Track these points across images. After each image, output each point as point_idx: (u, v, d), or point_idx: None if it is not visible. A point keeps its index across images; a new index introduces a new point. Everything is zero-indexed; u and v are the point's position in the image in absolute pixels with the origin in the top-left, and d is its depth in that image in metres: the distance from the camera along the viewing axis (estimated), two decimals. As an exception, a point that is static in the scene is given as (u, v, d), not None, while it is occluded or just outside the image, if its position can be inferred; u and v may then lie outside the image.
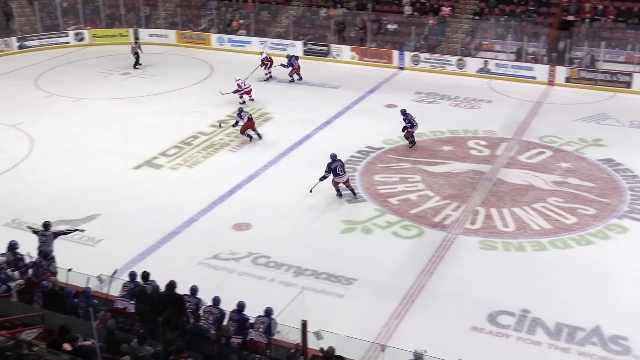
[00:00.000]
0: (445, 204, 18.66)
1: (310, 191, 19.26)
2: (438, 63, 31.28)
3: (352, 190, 19.27)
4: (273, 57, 30.52)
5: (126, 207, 18.65)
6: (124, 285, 13.05)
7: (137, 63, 32.26)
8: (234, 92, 26.75)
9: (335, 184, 19.17)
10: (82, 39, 36.53)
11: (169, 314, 12.01)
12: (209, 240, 16.97)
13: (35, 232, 14.89)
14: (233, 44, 35.27)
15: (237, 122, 23.24)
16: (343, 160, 19.31)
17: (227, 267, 15.79)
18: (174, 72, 31.48)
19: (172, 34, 36.59)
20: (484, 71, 30.38)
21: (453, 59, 31.01)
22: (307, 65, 31.94)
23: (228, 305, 12.16)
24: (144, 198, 19.23)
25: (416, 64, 31.55)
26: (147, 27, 37.22)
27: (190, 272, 15.03)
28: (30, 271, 13.84)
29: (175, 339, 10.90)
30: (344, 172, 19.05)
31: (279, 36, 34.88)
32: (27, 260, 14.08)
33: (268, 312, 11.96)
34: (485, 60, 30.53)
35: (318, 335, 11.07)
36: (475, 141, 23.00)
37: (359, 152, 22.00)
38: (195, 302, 12.40)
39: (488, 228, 17.47)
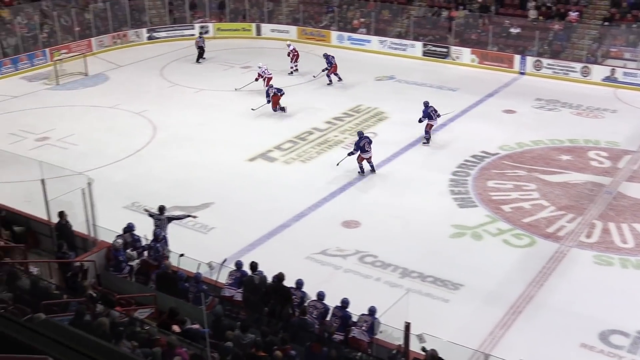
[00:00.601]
0: (560, 215, 18.07)
1: (338, 164, 20.52)
2: (561, 69, 30.30)
3: (372, 165, 20.43)
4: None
5: (239, 198, 19.09)
6: (231, 274, 13.35)
7: (200, 57, 33.19)
8: (256, 79, 27.83)
9: (360, 159, 20.19)
10: (206, 32, 37.65)
11: (275, 305, 12.21)
12: (317, 235, 17.13)
13: (150, 215, 15.50)
14: (352, 42, 35.42)
15: (269, 101, 25.46)
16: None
17: (334, 264, 15.89)
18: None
19: (293, 30, 37.15)
20: (610, 80, 29.18)
21: (578, 65, 29.95)
22: (426, 67, 31.72)
23: (332, 301, 12.22)
24: (256, 190, 19.63)
25: (538, 70, 30.68)
26: (269, 22, 37.96)
27: (297, 265, 15.22)
28: (146, 253, 14.41)
29: (279, 331, 11.07)
30: (370, 149, 20.13)
31: (399, 36, 34.74)
32: (144, 242, 14.66)
33: (372, 311, 11.94)
34: (613, 69, 29.30)
35: (421, 338, 10.97)
36: (596, 152, 22.13)
37: (473, 156, 21.62)
38: (300, 296, 12.54)
39: (605, 243, 16.78)
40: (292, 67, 30.77)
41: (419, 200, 18.92)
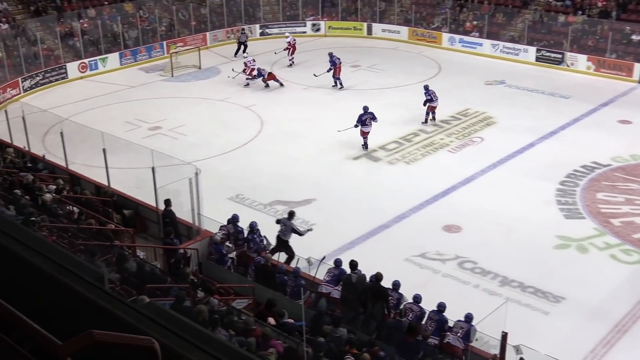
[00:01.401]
0: (674, 233, 17.24)
1: (339, 131, 22.31)
2: (685, 80, 28.87)
3: (366, 143, 22.15)
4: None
5: (341, 196, 19.18)
6: (329, 271, 13.44)
7: (238, 51, 34.01)
8: (243, 71, 29.18)
9: (363, 134, 21.88)
10: (318, 30, 38.03)
11: (371, 305, 12.22)
12: (417, 238, 17.01)
13: (278, 221, 15.54)
14: (464, 44, 34.91)
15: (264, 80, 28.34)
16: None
17: (433, 267, 15.74)
18: (403, 68, 31.78)
19: (404, 31, 36.97)
20: None
21: (703, 77, 28.47)
22: (538, 73, 30.90)
23: (429, 305, 12.12)
24: (359, 189, 19.67)
25: (659, 79, 29.35)
26: (380, 22, 37.94)
27: (395, 267, 15.16)
28: (246, 245, 14.71)
29: (374, 331, 11.07)
30: (371, 124, 21.90)
31: (512, 40, 33.99)
32: (246, 234, 14.96)
33: (468, 318, 11.76)
34: None
35: (518, 349, 10.73)
36: None
37: (583, 167, 20.91)
38: (397, 297, 12.50)
39: None
40: (290, 60, 32.00)
41: (523, 208, 18.47)
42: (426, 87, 24.68)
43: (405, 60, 33.39)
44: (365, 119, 21.84)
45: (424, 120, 24.60)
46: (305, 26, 38.30)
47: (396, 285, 12.66)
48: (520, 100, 27.30)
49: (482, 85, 29.12)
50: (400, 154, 22.11)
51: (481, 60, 32.96)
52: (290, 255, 14.99)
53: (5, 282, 3.65)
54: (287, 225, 15.24)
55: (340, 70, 28.80)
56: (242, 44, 34.37)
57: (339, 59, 28.78)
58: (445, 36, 35.64)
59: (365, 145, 22.11)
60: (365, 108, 22.06)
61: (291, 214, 15.63)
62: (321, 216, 17.91)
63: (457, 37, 35.29)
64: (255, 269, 13.61)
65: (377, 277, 12.53)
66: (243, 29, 36.08)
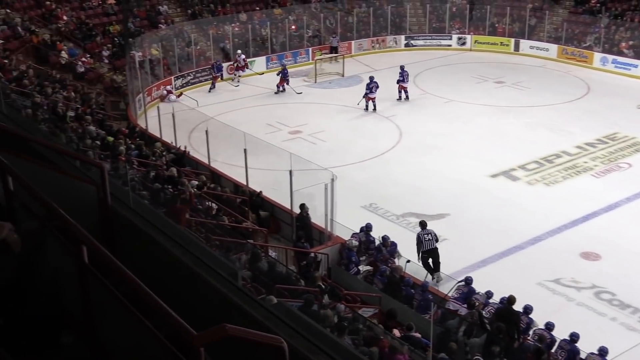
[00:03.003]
0: None
1: (358, 104, 26.63)
2: None
3: (374, 105, 27.01)
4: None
5: (475, 213, 18.79)
6: (458, 288, 13.21)
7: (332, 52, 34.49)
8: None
9: (367, 99, 26.85)
10: (464, 44, 37.53)
11: (501, 327, 11.89)
12: (552, 262, 16.39)
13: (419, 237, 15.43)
14: (617, 65, 33.32)
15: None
16: None
17: (567, 294, 15.11)
18: (549, 86, 30.76)
19: (553, 49, 35.78)
20: None
21: None
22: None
23: (559, 333, 11.65)
24: (494, 207, 19.21)
25: None
26: (529, 38, 36.92)
27: (527, 290, 14.65)
28: (376, 254, 14.71)
29: (501, 353, 10.77)
30: (376, 92, 26.72)
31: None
32: (377, 243, 14.97)
33: (603, 351, 11.22)
34: None
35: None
36: None
37: None
38: (527, 322, 12.11)
39: None
40: (236, 76, 31.74)
41: (671, 241, 17.39)
42: (402, 67, 28.57)
43: (553, 78, 32.30)
44: (372, 87, 26.65)
45: (398, 98, 28.35)
46: (450, 39, 37.89)
47: (527, 309, 12.27)
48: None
49: (634, 108, 27.70)
50: (540, 174, 21.41)
51: (635, 82, 31.37)
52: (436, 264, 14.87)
53: (148, 270, 3.82)
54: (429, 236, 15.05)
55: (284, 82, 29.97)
56: (334, 48, 34.62)
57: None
58: (597, 56, 34.16)
59: (374, 108, 26.93)
60: (372, 77, 27.16)
61: (423, 225, 15.48)
62: (453, 232, 17.61)
63: (610, 57, 33.73)
64: (383, 279, 13.58)
65: (510, 300, 12.18)
66: (335, 35, 36.11)
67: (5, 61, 24.70)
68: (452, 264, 15.10)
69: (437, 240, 15.18)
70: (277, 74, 30.49)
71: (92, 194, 4.45)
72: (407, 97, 28.44)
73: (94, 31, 31.57)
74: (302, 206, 15.50)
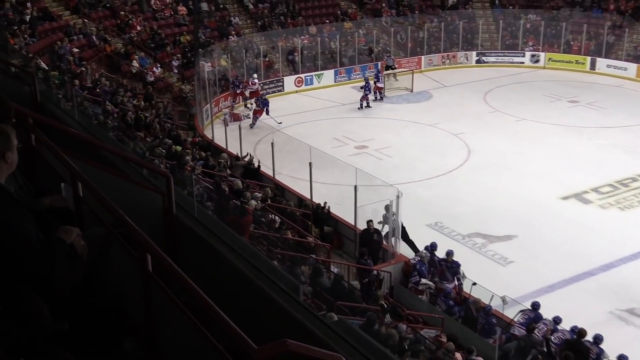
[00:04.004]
0: None
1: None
2: None
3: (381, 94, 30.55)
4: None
5: (545, 235, 18.39)
6: (524, 313, 12.95)
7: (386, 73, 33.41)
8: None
9: (378, 89, 30.22)
10: (537, 61, 36.95)
11: (569, 356, 11.59)
12: (625, 291, 15.89)
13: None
14: (700, 87, 32.32)
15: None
16: None
17: (640, 325, 14.65)
18: (626, 107, 29.93)
19: (632, 68, 34.85)
20: None
21: None
22: None
23: (632, 365, 11.29)
24: (564, 230, 18.76)
25: None
26: (606, 56, 36.09)
27: (597, 319, 14.25)
28: (440, 275, 14.55)
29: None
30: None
31: None
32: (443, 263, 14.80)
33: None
34: None
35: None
36: None
37: None
38: (597, 352, 11.77)
39: None
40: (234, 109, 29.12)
41: None
42: (376, 67, 31.68)
43: (630, 99, 31.43)
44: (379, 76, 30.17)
45: (374, 99, 30.32)
46: (523, 56, 37.36)
47: (598, 339, 11.93)
48: None
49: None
50: (615, 198, 20.83)
51: None
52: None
53: (209, 280, 3.86)
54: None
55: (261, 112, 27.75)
56: (389, 67, 34.23)
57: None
58: (681, 76, 33.16)
59: (376, 98, 30.06)
60: (367, 79, 30.20)
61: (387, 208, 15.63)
62: (521, 254, 17.28)
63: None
64: (447, 301, 13.42)
65: (580, 333, 11.88)
66: (389, 53, 35.67)
67: (82, 70, 25.46)
68: (518, 287, 14.81)
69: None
70: (360, 88, 30.70)
71: (158, 203, 4.54)
72: (381, 98, 30.74)
73: (165, 41, 32.33)
74: (368, 222, 15.47)
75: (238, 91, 30.16)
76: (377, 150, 24.66)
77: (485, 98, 31.07)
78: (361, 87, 30.56)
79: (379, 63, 34.11)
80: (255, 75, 30.46)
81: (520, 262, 16.87)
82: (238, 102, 30.01)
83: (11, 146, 3.47)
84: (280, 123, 27.21)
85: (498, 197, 20.66)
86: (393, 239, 15.64)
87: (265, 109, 27.52)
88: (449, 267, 14.70)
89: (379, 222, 16.50)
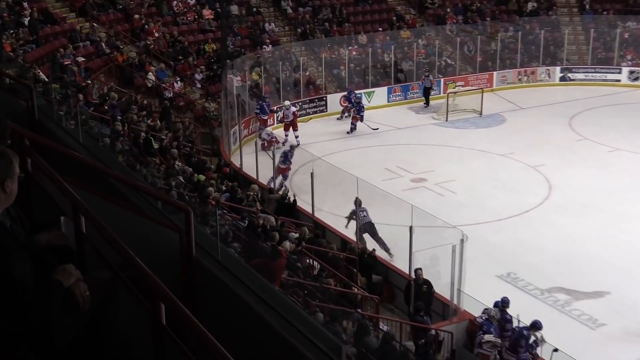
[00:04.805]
0: None
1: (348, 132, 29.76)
2: None
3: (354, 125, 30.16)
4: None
5: (644, 293, 18.09)
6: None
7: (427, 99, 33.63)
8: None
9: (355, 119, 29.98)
10: (636, 79, 36.60)
11: None
12: None
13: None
14: None
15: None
16: None
17: None
18: None
19: None
20: None
21: None
22: None
23: None
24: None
25: None
26: None
27: None
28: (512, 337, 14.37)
29: None
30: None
31: None
32: (515, 324, 14.61)
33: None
34: None
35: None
36: None
37: None
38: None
39: None
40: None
41: None
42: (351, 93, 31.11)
43: None
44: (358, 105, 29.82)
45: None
46: (619, 73, 37.07)
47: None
48: None
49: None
50: None
51: None
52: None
53: (233, 336, 3.87)
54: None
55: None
56: (427, 90, 34.00)
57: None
58: None
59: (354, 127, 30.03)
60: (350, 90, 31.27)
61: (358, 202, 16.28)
62: (616, 315, 16.96)
63: None
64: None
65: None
66: (428, 72, 34.71)
67: (88, 82, 25.82)
68: (612, 354, 14.55)
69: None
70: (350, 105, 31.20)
71: (174, 242, 4.57)
72: (351, 130, 30.26)
73: (188, 50, 32.69)
74: (417, 271, 15.42)
75: (265, 117, 29.10)
76: (438, 184, 24.60)
77: (570, 123, 30.82)
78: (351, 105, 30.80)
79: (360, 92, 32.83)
80: (287, 103, 29.49)
81: (614, 325, 16.57)
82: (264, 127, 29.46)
83: (12, 174, 3.52)
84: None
85: (586, 245, 20.39)
86: (455, 292, 15.52)
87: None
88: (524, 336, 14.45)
89: (346, 217, 19.05)
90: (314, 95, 33.01)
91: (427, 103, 33.99)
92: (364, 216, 18.75)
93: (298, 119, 29.37)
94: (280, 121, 30.19)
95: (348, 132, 30.14)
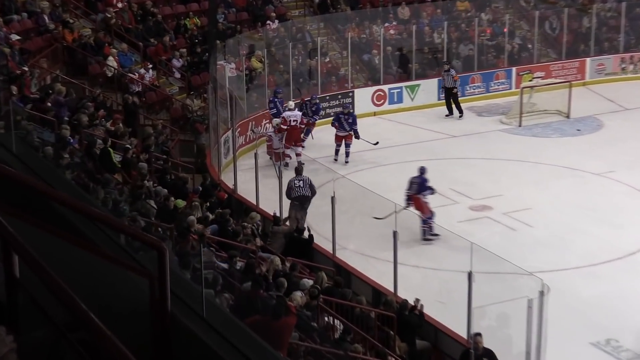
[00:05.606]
0: None
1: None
2: None
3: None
4: None
5: None
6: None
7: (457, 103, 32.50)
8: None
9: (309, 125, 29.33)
10: None
11: None
12: None
13: None
14: None
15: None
16: None
17: None
18: None
19: None
20: None
21: None
22: None
23: None
24: None
25: None
26: None
27: None
28: None
29: None
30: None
31: None
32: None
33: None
34: None
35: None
36: None
37: None
38: None
39: None
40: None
41: None
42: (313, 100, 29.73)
43: None
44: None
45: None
46: None
47: None
48: None
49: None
50: None
51: None
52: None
53: None
54: None
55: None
56: (449, 90, 32.60)
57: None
58: None
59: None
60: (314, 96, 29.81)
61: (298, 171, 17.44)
62: None
63: None
64: None
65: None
66: (448, 64, 33.48)
67: (24, 69, 25.69)
68: None
69: (312, 192, 21.45)
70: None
71: (143, 291, 4.56)
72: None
73: (162, 26, 32.61)
74: (477, 338, 15.33)
75: (279, 120, 28.46)
76: (508, 214, 24.50)
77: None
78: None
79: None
80: (291, 104, 28.60)
81: None
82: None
83: None
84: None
85: None
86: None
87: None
88: None
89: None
90: (337, 90, 32.79)
91: (451, 111, 32.81)
92: (299, 186, 21.47)
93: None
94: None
95: (335, 159, 28.74)
